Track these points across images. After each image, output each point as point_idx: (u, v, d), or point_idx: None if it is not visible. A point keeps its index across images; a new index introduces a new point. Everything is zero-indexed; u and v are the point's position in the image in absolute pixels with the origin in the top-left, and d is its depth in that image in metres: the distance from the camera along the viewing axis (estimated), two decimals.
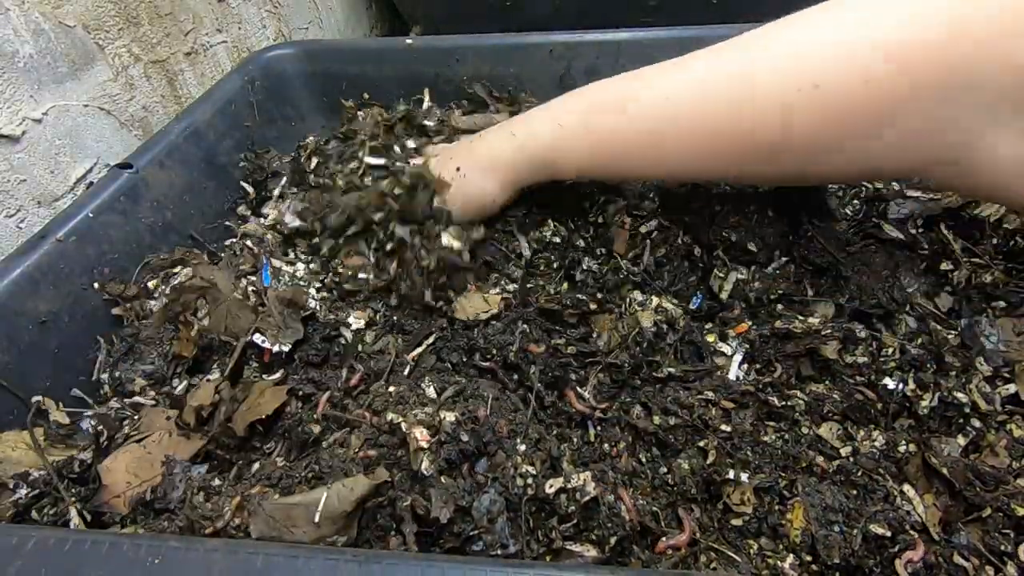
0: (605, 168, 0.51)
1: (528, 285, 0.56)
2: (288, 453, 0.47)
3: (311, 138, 0.76)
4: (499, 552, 0.35)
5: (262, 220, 0.69)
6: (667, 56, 0.74)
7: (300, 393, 0.49)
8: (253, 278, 0.58)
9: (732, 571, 0.38)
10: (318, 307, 0.55)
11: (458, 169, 0.54)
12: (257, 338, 0.51)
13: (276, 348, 0.51)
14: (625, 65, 0.75)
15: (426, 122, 0.71)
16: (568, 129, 0.49)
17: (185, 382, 0.54)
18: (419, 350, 0.50)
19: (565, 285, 0.56)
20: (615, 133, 0.47)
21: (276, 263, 0.59)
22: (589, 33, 0.75)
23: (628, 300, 0.52)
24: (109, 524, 0.44)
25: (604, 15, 1.03)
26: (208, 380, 0.52)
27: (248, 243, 0.63)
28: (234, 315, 0.53)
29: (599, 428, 0.45)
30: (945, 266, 0.51)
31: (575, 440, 0.44)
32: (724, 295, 0.53)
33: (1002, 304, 0.48)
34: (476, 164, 0.54)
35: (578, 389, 0.46)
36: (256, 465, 0.47)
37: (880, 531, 0.38)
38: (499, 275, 0.56)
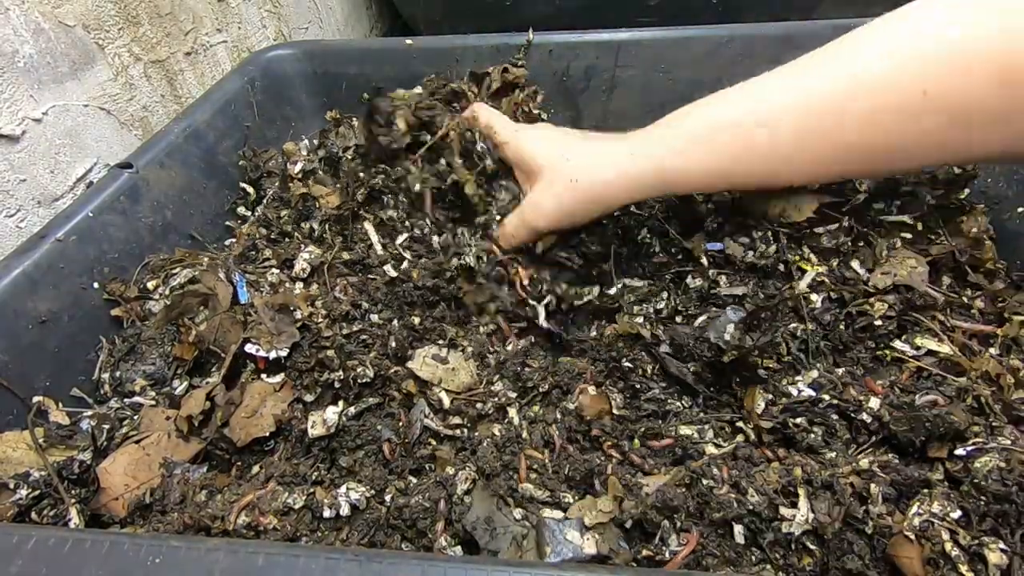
0: (724, 184, 0.50)
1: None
2: (291, 453, 0.47)
3: (290, 144, 0.76)
4: None
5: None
6: (666, 56, 0.74)
7: (299, 397, 0.49)
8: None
9: (732, 571, 0.39)
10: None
11: (575, 180, 0.50)
12: (250, 347, 0.50)
13: (273, 355, 0.50)
14: (625, 65, 0.75)
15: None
16: (692, 154, 0.47)
17: (185, 383, 0.54)
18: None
19: None
20: (744, 151, 0.46)
21: (250, 276, 0.58)
22: (589, 33, 0.75)
23: None
24: (108, 527, 0.44)
25: (604, 15, 1.03)
26: (207, 383, 0.52)
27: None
28: (225, 329, 0.53)
29: None
30: None
31: None
32: None
33: None
34: (592, 173, 0.49)
35: None
36: (257, 467, 0.47)
37: None
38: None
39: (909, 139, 0.42)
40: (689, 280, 0.55)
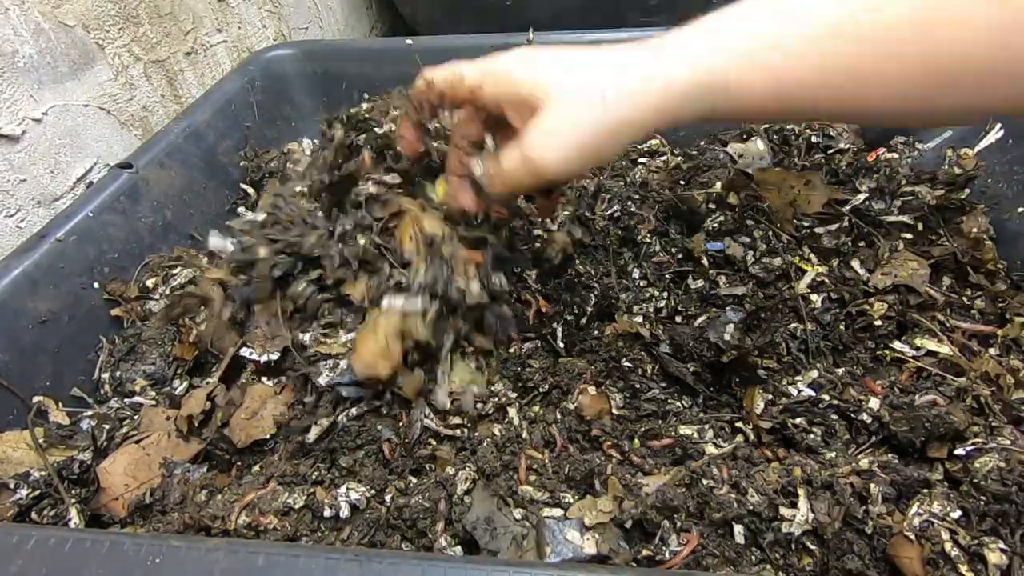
0: (792, 107, 0.38)
1: None
2: (291, 453, 0.47)
3: (293, 144, 0.76)
4: None
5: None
6: None
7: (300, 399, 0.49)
8: None
9: (732, 571, 0.39)
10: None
11: (603, 97, 0.36)
12: (245, 351, 0.51)
13: (264, 358, 0.50)
14: None
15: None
16: (757, 56, 0.36)
17: (185, 383, 0.54)
18: None
19: None
20: (836, 58, 0.35)
21: None
22: (589, 33, 0.75)
23: None
24: (108, 527, 0.44)
25: (604, 15, 1.03)
26: (207, 383, 0.52)
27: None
28: (220, 335, 0.53)
29: None
30: None
31: None
32: None
33: None
34: (624, 82, 0.36)
35: None
36: (257, 467, 0.47)
37: None
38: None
39: None
40: (689, 280, 0.55)
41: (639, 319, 0.54)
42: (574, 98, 0.37)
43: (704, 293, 0.54)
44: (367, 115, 0.64)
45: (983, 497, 0.39)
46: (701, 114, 0.38)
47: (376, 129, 0.60)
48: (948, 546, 0.37)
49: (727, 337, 0.48)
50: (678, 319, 0.54)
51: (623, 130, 0.37)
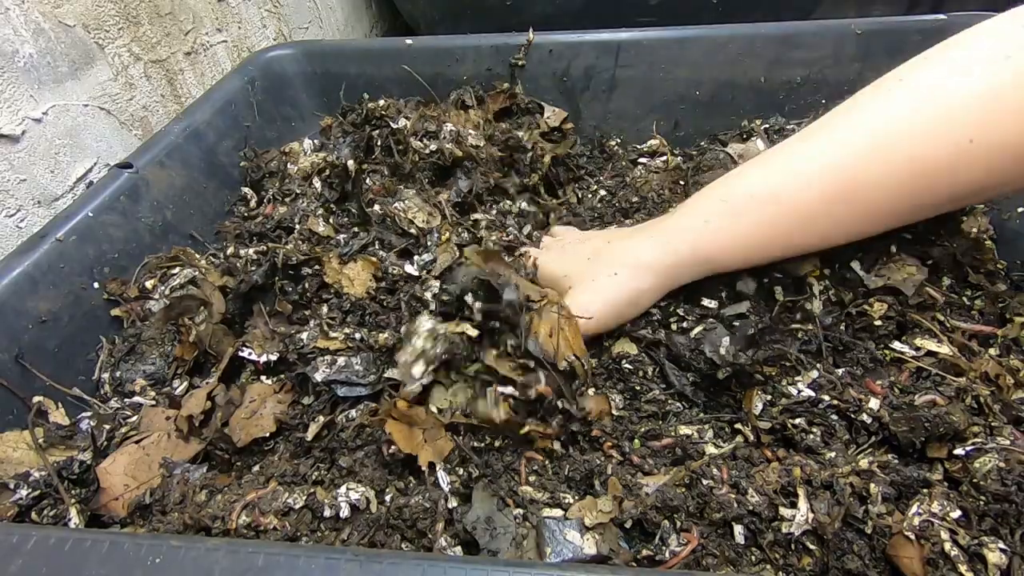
0: (762, 259, 0.50)
1: None
2: (292, 453, 0.47)
3: (294, 144, 0.76)
4: None
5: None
6: (666, 56, 0.75)
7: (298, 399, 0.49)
8: None
9: (732, 571, 0.39)
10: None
11: (615, 274, 0.50)
12: (244, 351, 0.51)
13: (264, 359, 0.51)
14: (625, 65, 0.75)
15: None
16: (719, 239, 0.48)
17: (185, 383, 0.54)
18: None
19: None
20: (772, 227, 0.47)
21: None
22: (589, 33, 0.75)
23: None
24: (108, 527, 0.44)
25: (604, 15, 1.03)
26: (207, 383, 0.52)
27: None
28: (218, 339, 0.54)
29: None
30: None
31: None
32: None
33: None
34: (630, 264, 0.50)
35: None
36: (257, 467, 0.47)
37: None
38: None
39: (953, 189, 0.43)
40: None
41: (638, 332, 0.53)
42: (598, 278, 0.50)
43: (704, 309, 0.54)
44: (383, 112, 0.65)
45: (983, 497, 0.39)
46: (703, 273, 0.51)
47: (392, 125, 0.62)
48: (948, 546, 0.37)
49: (723, 352, 0.48)
50: (675, 327, 0.53)
51: (642, 297, 0.51)
